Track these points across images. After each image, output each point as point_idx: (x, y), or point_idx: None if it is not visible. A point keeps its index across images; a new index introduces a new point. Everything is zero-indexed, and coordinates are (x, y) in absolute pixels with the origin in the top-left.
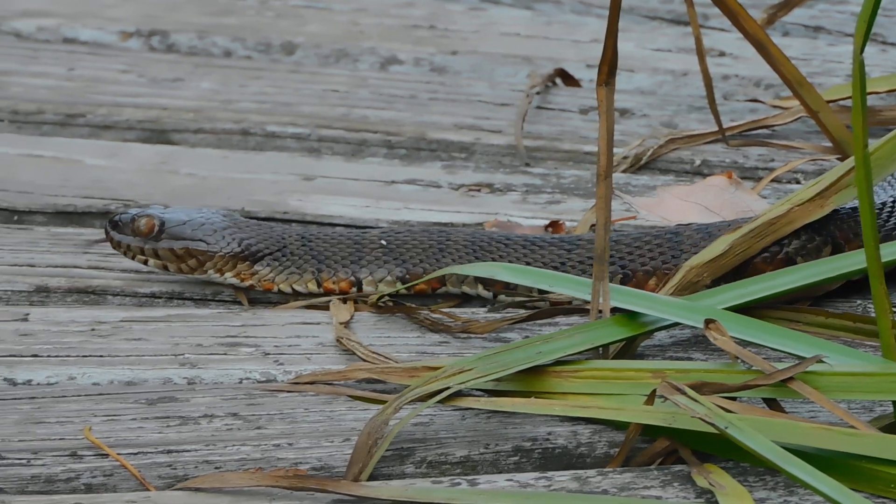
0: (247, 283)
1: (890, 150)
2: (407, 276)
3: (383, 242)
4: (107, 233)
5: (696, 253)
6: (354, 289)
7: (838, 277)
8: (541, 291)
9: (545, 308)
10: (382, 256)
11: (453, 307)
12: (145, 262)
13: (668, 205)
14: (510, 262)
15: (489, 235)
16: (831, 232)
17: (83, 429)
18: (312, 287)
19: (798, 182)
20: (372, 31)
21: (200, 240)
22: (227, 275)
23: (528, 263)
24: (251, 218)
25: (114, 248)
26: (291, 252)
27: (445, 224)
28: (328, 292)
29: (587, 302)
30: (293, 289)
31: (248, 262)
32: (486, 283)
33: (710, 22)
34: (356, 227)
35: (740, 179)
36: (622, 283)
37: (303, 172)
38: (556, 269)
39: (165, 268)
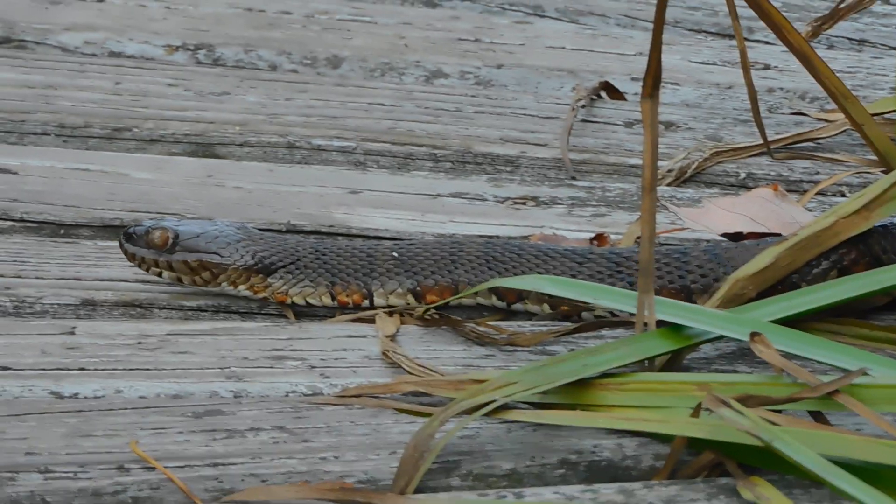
0: (260, 296)
1: None
2: (418, 289)
3: (395, 255)
4: (121, 245)
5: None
6: (366, 301)
7: (883, 290)
8: (582, 303)
9: (591, 321)
10: (394, 269)
11: (499, 320)
12: (159, 275)
13: (713, 215)
14: (523, 272)
15: (502, 246)
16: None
17: (130, 442)
18: (326, 300)
19: (843, 195)
20: (417, 45)
21: (214, 252)
22: (241, 287)
23: (539, 274)
24: (297, 232)
25: (128, 260)
26: (305, 265)
27: (491, 237)
28: (342, 305)
29: (633, 314)
30: (307, 301)
31: (261, 275)
32: (499, 293)
33: (755, 35)
34: (402, 240)
35: (785, 192)
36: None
37: (349, 186)
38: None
39: (179, 280)
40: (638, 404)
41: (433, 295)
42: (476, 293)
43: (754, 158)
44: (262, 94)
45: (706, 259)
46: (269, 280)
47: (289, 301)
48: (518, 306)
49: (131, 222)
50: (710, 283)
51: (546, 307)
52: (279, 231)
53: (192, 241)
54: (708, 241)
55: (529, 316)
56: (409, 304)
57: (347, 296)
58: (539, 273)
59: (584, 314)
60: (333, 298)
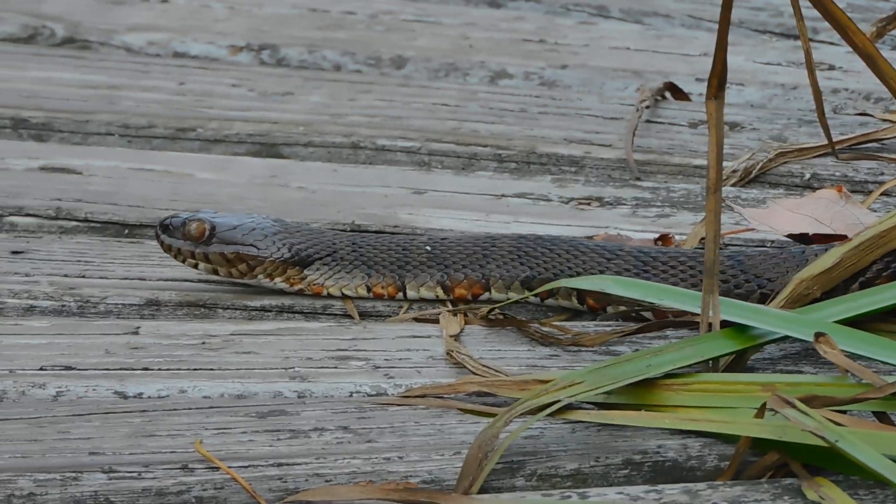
0: (296, 288)
1: None
2: (447, 282)
3: (428, 248)
4: (157, 236)
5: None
6: (400, 293)
7: None
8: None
9: (655, 321)
10: (427, 262)
11: (563, 321)
12: (195, 266)
13: (778, 216)
14: (553, 266)
15: (534, 241)
16: None
17: (194, 442)
18: (362, 291)
19: None
20: (482, 45)
21: (251, 245)
22: (277, 280)
23: (569, 268)
24: (361, 231)
25: (164, 251)
26: (342, 257)
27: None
28: (377, 297)
29: (696, 315)
30: (343, 293)
31: (297, 268)
32: (531, 287)
33: (820, 35)
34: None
35: (850, 193)
36: None
37: (413, 186)
38: (597, 274)
39: (216, 272)
40: (702, 405)
41: (462, 289)
42: (508, 287)
43: (819, 159)
44: (326, 94)
45: (729, 265)
46: (306, 272)
47: (324, 292)
48: (550, 301)
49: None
50: (730, 289)
51: (575, 301)
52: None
53: (229, 233)
54: (773, 241)
55: (593, 316)
56: (437, 296)
57: (383, 288)
58: (568, 268)
59: (609, 308)
60: (369, 290)
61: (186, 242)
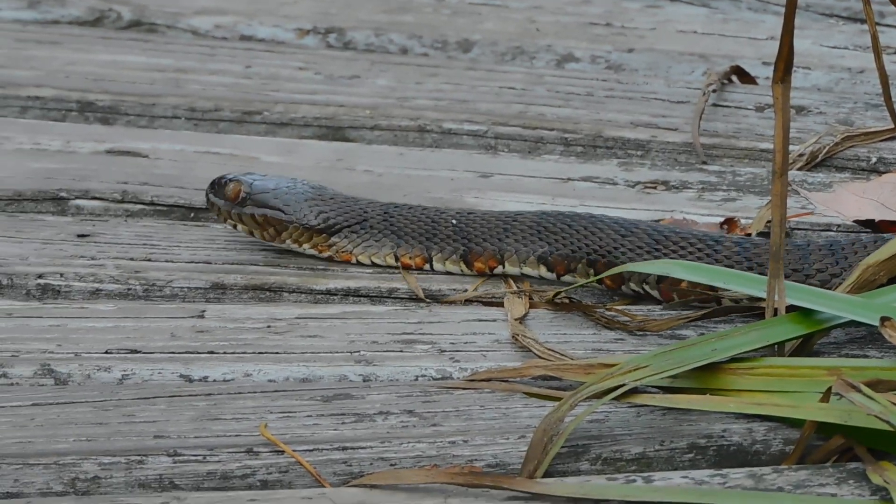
0: (325, 255)
1: None
2: (469, 256)
3: (454, 221)
4: (206, 193)
5: None
6: (427, 265)
7: None
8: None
9: (721, 306)
10: (453, 235)
11: (628, 305)
12: (234, 227)
13: (844, 200)
14: (570, 243)
15: (554, 217)
16: None
17: (259, 425)
18: (390, 260)
19: None
20: (548, 29)
21: (280, 209)
22: (305, 246)
23: (587, 244)
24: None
25: (209, 208)
26: (371, 226)
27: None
28: (405, 266)
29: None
30: (372, 261)
31: (324, 235)
32: (549, 265)
33: (887, 20)
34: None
35: None
36: None
37: (479, 169)
38: (612, 250)
39: (251, 234)
40: (767, 389)
41: (480, 262)
42: (523, 262)
43: (885, 143)
44: (393, 77)
45: (735, 251)
46: (333, 239)
47: (353, 260)
48: (567, 278)
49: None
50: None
51: (593, 273)
52: None
53: (262, 196)
54: (838, 226)
55: (658, 300)
56: (462, 270)
57: (410, 258)
58: (586, 244)
59: (624, 287)
60: (397, 259)
61: (225, 203)
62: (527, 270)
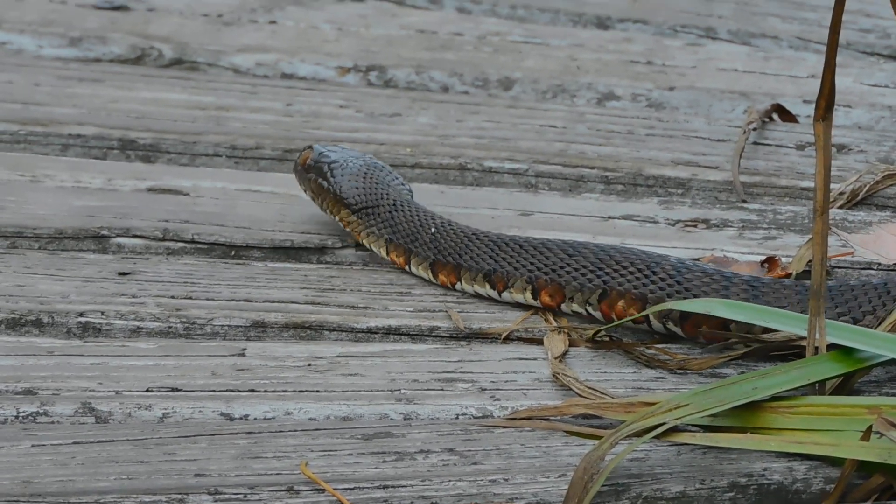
0: (349, 230)
1: None
2: (435, 266)
3: (432, 230)
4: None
5: None
6: (408, 266)
7: None
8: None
9: (762, 346)
10: (429, 242)
11: (668, 343)
12: (305, 192)
13: (884, 241)
14: (521, 263)
15: (512, 240)
16: None
17: (300, 464)
18: (382, 253)
19: None
20: (589, 67)
21: (326, 179)
22: (336, 218)
23: (542, 266)
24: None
25: (294, 171)
26: (378, 214)
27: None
28: (391, 261)
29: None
30: (370, 246)
31: (348, 210)
32: (492, 280)
33: None
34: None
35: None
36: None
37: (520, 207)
38: (569, 271)
39: (313, 200)
40: (808, 427)
41: (443, 274)
42: (473, 279)
43: None
44: (434, 115)
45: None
46: (353, 217)
47: (360, 240)
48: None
49: (301, 243)
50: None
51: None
52: None
53: (320, 165)
54: (878, 265)
55: (698, 344)
56: (429, 278)
57: (397, 256)
58: (532, 265)
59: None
60: (388, 253)
61: (297, 168)
62: (477, 288)
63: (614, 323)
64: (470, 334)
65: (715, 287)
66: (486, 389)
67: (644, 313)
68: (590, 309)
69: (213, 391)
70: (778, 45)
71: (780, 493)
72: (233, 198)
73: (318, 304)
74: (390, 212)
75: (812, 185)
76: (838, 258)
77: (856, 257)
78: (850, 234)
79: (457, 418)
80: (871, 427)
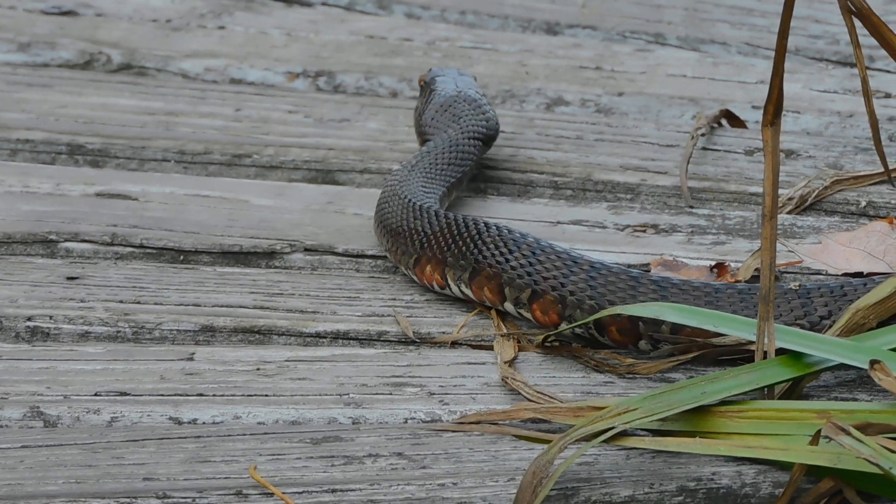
0: None
1: None
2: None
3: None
4: None
5: None
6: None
7: None
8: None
9: (711, 349)
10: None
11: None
12: None
13: (832, 251)
14: (482, 251)
15: (463, 226)
16: None
17: (249, 468)
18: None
19: None
20: (539, 72)
21: None
22: None
23: (472, 253)
24: None
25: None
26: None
27: None
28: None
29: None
30: None
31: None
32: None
33: (877, 63)
34: None
35: None
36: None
37: (469, 213)
38: (475, 263)
39: None
40: (757, 432)
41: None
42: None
43: (875, 186)
44: (383, 120)
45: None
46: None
47: None
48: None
49: (250, 248)
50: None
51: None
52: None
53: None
54: (827, 273)
55: (653, 343)
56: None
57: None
58: (474, 252)
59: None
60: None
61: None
62: (563, 325)
63: (561, 328)
64: (418, 339)
65: (623, 287)
66: (434, 394)
67: (590, 319)
68: (522, 311)
69: (162, 395)
70: (727, 50)
71: (729, 497)
72: (182, 203)
73: (267, 308)
74: (396, 196)
75: (761, 190)
76: (787, 266)
77: (805, 264)
78: (797, 244)
79: (405, 422)
80: (819, 431)
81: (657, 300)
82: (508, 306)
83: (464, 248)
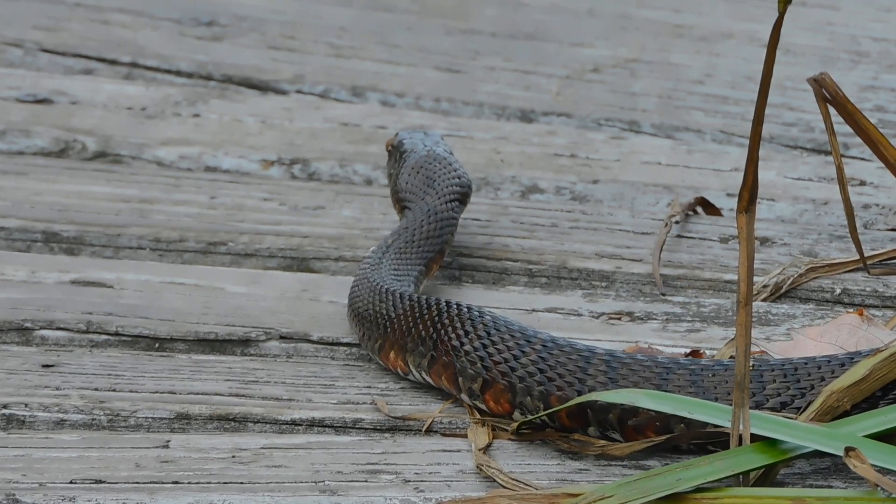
0: None
1: None
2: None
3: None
4: None
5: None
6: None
7: None
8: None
9: (685, 434)
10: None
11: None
12: None
13: (803, 347)
14: (440, 334)
15: (426, 307)
16: None
17: None
18: None
19: None
20: (513, 160)
21: None
22: None
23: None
24: None
25: None
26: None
27: None
28: None
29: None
30: None
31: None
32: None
33: (851, 151)
34: None
35: (874, 315)
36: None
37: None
38: (433, 348)
39: None
40: None
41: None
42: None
43: (850, 274)
44: (358, 208)
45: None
46: None
47: None
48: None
49: (225, 336)
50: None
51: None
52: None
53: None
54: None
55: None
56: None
57: None
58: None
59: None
60: None
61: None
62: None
63: (536, 415)
64: (393, 427)
65: (571, 370)
66: (409, 481)
67: (565, 406)
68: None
69: (137, 483)
70: (701, 138)
71: None
72: (157, 290)
73: (243, 396)
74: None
75: (735, 277)
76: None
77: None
78: (768, 339)
79: None
80: None
81: (607, 381)
82: (464, 397)
83: (423, 331)
